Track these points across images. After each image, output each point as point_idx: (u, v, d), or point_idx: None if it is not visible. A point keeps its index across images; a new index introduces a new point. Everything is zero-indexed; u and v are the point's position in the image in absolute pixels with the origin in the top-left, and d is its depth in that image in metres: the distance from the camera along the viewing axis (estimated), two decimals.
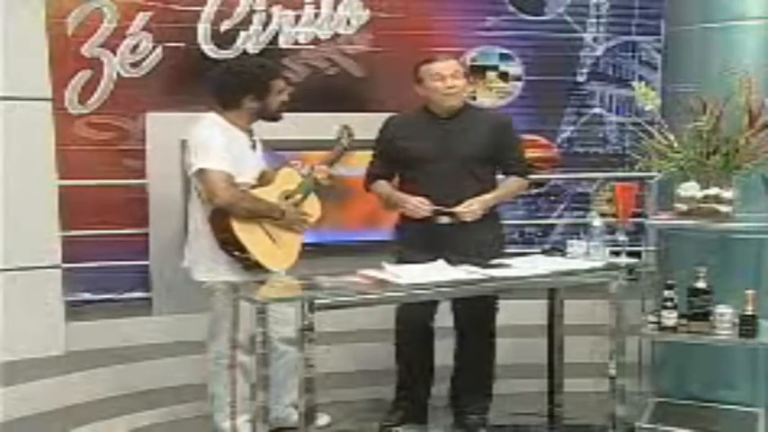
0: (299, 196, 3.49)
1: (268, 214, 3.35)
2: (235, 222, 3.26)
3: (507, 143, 3.65)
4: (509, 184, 3.68)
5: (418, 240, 3.56)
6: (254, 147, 3.49)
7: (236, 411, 3.30)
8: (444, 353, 3.79)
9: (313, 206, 3.58)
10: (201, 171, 3.27)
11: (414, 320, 3.69)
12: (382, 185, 3.72)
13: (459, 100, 3.60)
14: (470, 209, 3.48)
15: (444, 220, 3.53)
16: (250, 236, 3.29)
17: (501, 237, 3.73)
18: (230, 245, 3.29)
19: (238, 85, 3.41)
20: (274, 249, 3.38)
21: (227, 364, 3.28)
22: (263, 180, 3.47)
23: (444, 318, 3.73)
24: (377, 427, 3.79)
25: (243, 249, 3.29)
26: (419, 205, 3.50)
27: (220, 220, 3.28)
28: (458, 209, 3.47)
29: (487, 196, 3.54)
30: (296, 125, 4.11)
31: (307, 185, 3.54)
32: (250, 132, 3.49)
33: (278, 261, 3.39)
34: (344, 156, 3.74)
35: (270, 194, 3.42)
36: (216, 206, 3.27)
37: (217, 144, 3.29)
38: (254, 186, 3.41)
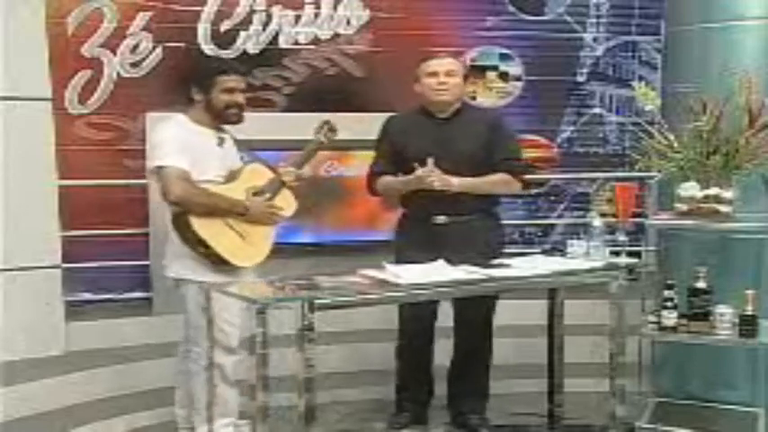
0: (268, 195, 3.41)
1: (229, 210, 3.29)
2: (193, 219, 3.23)
3: (498, 141, 3.62)
4: (492, 176, 3.58)
5: (417, 239, 3.56)
6: (221, 144, 3.42)
7: (212, 415, 3.28)
8: (445, 353, 3.79)
9: (286, 201, 3.50)
10: (159, 168, 3.24)
11: (417, 320, 3.70)
12: (387, 179, 3.67)
13: (452, 97, 3.59)
14: (437, 175, 3.40)
15: (442, 219, 3.54)
16: (211, 231, 3.25)
17: (500, 236, 3.73)
18: (192, 241, 3.26)
19: (186, 79, 3.41)
20: (242, 245, 3.33)
21: (204, 365, 3.24)
22: (229, 177, 3.41)
23: (442, 318, 3.73)
24: (378, 427, 3.80)
25: (205, 245, 3.25)
26: (425, 176, 3.42)
27: (180, 218, 3.26)
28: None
29: (464, 180, 3.48)
30: (295, 125, 4.11)
31: (275, 184, 3.46)
32: (218, 129, 3.43)
33: (245, 257, 3.34)
34: (318, 151, 3.65)
35: (235, 190, 3.36)
36: (170, 202, 3.25)
37: (174, 142, 3.25)
38: (220, 184, 3.37)
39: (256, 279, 3.31)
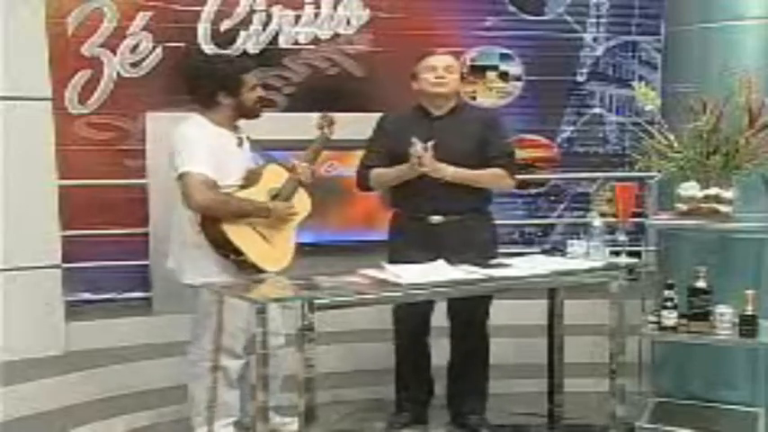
0: (284, 195, 3.45)
1: (255, 214, 3.31)
2: (226, 226, 3.24)
3: (492, 140, 3.61)
4: (485, 170, 3.57)
5: (412, 239, 3.56)
6: (240, 144, 3.45)
7: (213, 416, 3.28)
8: (445, 353, 3.79)
9: (302, 201, 3.53)
10: (183, 175, 3.23)
11: (413, 320, 3.70)
12: (380, 170, 3.63)
13: (450, 91, 3.58)
14: (428, 159, 3.40)
15: (436, 219, 3.54)
16: (244, 238, 3.27)
17: (494, 235, 3.73)
18: (224, 248, 3.27)
19: (209, 83, 3.37)
20: (270, 250, 3.36)
21: (208, 367, 3.25)
22: (250, 179, 3.42)
23: (442, 317, 3.73)
24: (378, 427, 3.80)
25: (238, 252, 3.27)
26: (417, 160, 3.41)
27: (212, 225, 3.25)
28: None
29: (459, 170, 3.48)
30: (296, 125, 4.11)
31: (291, 184, 3.49)
32: (235, 130, 3.46)
33: (274, 261, 3.37)
34: (326, 146, 3.70)
35: (258, 194, 3.38)
36: (192, 210, 3.25)
37: (200, 146, 3.25)
38: (242, 187, 3.38)
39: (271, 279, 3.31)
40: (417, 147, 3.40)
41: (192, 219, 3.30)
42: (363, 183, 3.72)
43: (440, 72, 3.56)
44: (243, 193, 3.36)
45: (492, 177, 3.60)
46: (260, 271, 3.32)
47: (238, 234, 3.27)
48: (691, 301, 3.38)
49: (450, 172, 3.46)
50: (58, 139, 4.23)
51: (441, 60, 3.59)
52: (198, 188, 3.20)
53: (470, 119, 3.66)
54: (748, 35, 3.68)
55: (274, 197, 3.43)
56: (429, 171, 3.43)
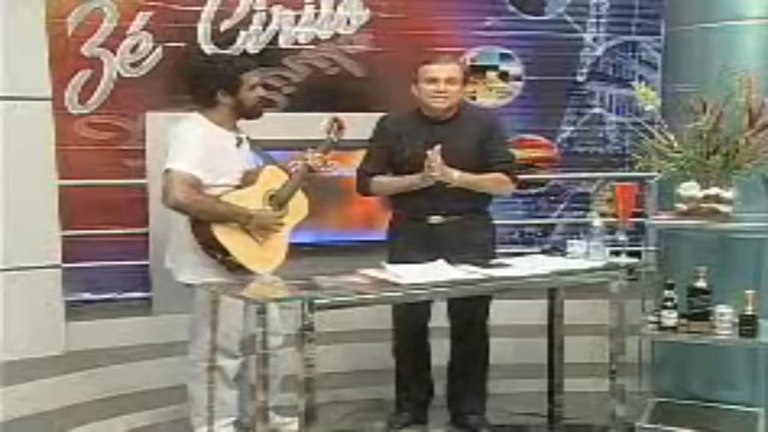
0: (282, 197, 3.43)
1: (231, 218, 3.28)
2: (215, 226, 3.23)
3: (492, 143, 3.60)
4: (487, 174, 3.56)
5: (412, 239, 3.56)
6: (239, 144, 3.44)
7: (212, 416, 3.28)
8: (445, 352, 3.79)
9: (298, 206, 3.52)
10: (167, 171, 3.22)
11: (411, 320, 3.70)
12: (384, 179, 3.64)
13: (450, 104, 3.54)
14: (438, 165, 3.37)
15: (437, 219, 3.54)
16: (233, 239, 3.26)
17: (493, 234, 3.72)
18: (212, 248, 3.26)
19: (208, 82, 3.36)
20: (260, 251, 3.35)
21: (206, 367, 3.25)
22: (247, 180, 3.41)
23: (442, 317, 3.73)
24: (378, 427, 3.80)
25: (225, 252, 3.27)
26: (429, 173, 3.39)
27: (201, 224, 3.25)
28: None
29: (464, 174, 3.46)
30: (296, 125, 4.11)
31: (289, 186, 3.47)
32: (235, 129, 3.45)
33: (263, 263, 3.35)
34: (332, 149, 3.67)
35: (255, 194, 3.38)
36: (167, 206, 3.24)
37: (190, 145, 3.24)
38: (238, 187, 3.37)
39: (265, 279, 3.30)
40: (432, 156, 3.37)
41: (186, 219, 3.30)
42: (364, 189, 3.71)
43: (441, 86, 3.50)
44: (239, 193, 3.34)
45: (494, 183, 3.59)
46: (248, 272, 3.30)
47: (227, 235, 3.26)
48: (691, 301, 3.38)
49: (456, 176, 3.45)
50: (58, 139, 4.23)
51: (443, 71, 3.51)
52: (178, 186, 3.18)
53: (471, 119, 3.64)
54: (748, 35, 3.68)
55: (271, 198, 3.42)
56: (439, 177, 3.41)
